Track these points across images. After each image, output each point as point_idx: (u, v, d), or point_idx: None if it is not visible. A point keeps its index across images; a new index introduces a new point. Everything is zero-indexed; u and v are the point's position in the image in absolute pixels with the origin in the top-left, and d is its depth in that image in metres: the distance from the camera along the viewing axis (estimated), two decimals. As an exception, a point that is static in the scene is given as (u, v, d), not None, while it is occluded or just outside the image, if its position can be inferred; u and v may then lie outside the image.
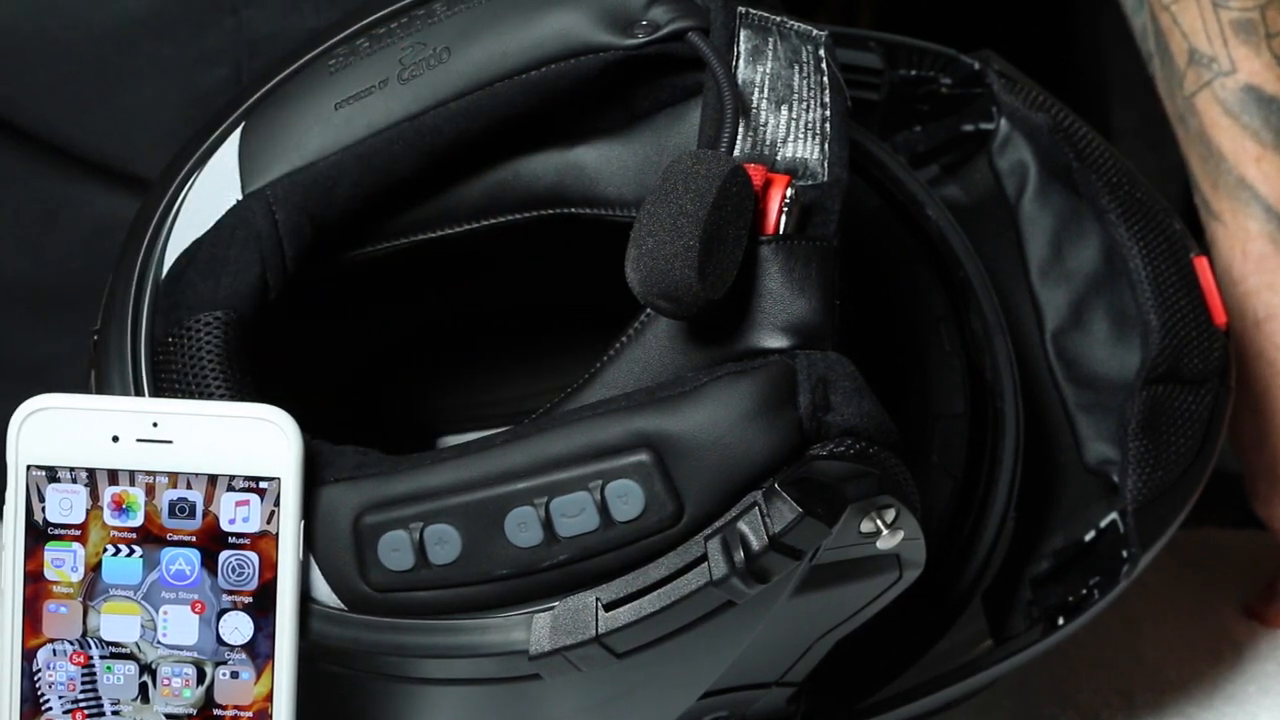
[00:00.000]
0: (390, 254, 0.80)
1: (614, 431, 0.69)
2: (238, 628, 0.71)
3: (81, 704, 0.72)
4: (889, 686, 0.84)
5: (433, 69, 0.76)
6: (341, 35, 0.79)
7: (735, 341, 0.70)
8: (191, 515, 0.71)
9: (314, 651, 0.72)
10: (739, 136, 0.72)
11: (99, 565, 0.71)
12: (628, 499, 0.68)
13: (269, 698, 0.71)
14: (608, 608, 0.69)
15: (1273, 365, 0.96)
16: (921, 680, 0.84)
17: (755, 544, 0.68)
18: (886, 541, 0.70)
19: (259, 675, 0.71)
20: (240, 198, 0.77)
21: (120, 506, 0.71)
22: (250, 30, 0.91)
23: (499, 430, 0.71)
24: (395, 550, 0.70)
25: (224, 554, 0.71)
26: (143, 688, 0.71)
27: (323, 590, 0.71)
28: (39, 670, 0.71)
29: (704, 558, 0.69)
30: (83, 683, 0.72)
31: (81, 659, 0.71)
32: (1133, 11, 1.01)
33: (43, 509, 0.71)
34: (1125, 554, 0.86)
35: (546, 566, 0.69)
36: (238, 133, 0.78)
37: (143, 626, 0.71)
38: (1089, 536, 0.87)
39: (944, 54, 0.93)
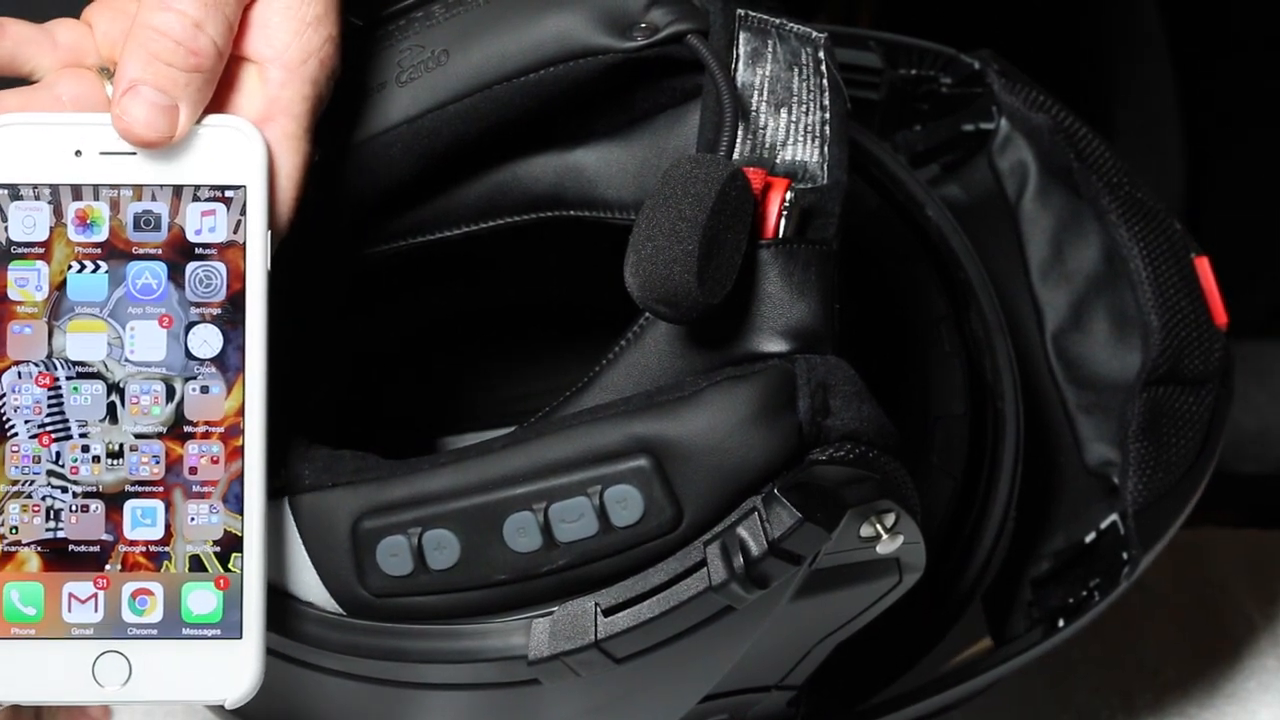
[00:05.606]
0: (389, 256, 0.79)
1: (613, 436, 0.68)
2: (206, 340, 0.69)
3: (48, 427, 0.69)
4: (889, 689, 0.84)
5: (431, 71, 0.75)
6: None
7: (735, 345, 0.70)
8: (157, 228, 0.69)
9: (313, 656, 0.72)
10: (738, 140, 0.72)
11: (64, 283, 0.69)
12: (627, 504, 0.68)
13: (240, 412, 0.69)
14: (607, 613, 0.69)
15: None
16: (921, 682, 0.84)
17: (755, 549, 0.68)
18: (886, 546, 0.70)
19: (229, 390, 0.69)
20: (238, 200, 0.77)
21: (84, 222, 0.69)
22: None
23: (498, 434, 0.71)
24: (394, 555, 0.70)
25: (191, 265, 0.69)
26: (110, 407, 0.69)
27: (321, 595, 0.71)
28: (4, 394, 0.69)
29: (703, 563, 0.68)
30: (49, 405, 0.69)
31: (47, 380, 0.69)
32: None
33: (5, 228, 0.69)
34: (1125, 555, 0.85)
35: (545, 571, 0.69)
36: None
37: (109, 344, 0.69)
38: (1089, 538, 0.87)
39: (944, 53, 0.93)
